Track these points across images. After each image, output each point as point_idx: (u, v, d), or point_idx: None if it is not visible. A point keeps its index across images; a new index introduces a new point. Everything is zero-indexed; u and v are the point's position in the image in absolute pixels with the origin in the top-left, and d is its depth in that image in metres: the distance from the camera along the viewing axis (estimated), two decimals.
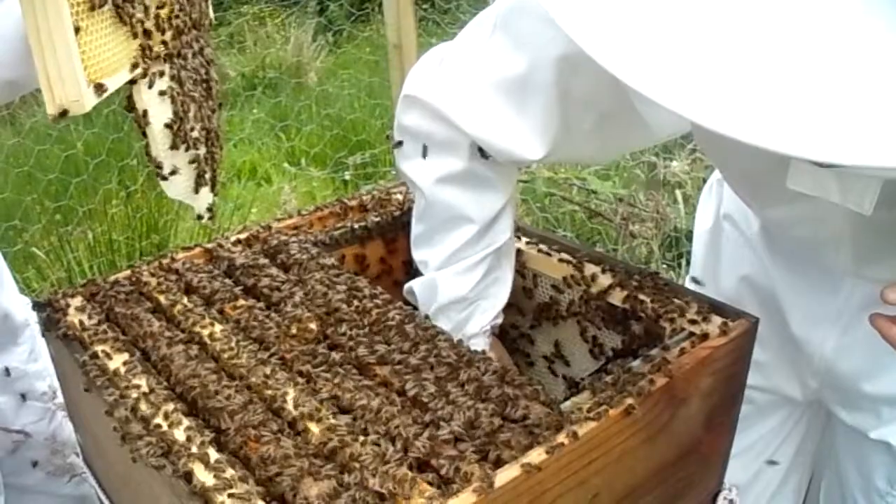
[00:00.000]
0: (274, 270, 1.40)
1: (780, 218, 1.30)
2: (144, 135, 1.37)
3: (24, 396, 1.77)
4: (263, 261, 1.43)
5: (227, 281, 1.39)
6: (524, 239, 1.50)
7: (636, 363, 1.13)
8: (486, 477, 0.90)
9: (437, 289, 1.33)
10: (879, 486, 1.44)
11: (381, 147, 4.69)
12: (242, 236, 1.53)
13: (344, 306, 1.26)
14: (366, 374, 1.14)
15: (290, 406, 1.06)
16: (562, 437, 0.97)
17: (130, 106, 1.34)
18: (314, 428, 1.02)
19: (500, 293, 1.37)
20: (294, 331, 1.22)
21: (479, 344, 1.34)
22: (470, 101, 1.21)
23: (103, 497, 1.35)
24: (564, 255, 1.43)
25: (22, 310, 1.80)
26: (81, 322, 1.28)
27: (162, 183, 1.42)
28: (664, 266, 3.35)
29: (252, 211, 4.24)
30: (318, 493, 0.91)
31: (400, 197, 1.68)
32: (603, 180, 3.77)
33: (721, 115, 0.62)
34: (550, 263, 1.44)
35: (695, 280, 1.61)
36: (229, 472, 0.95)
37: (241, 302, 1.31)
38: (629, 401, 1.03)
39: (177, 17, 1.40)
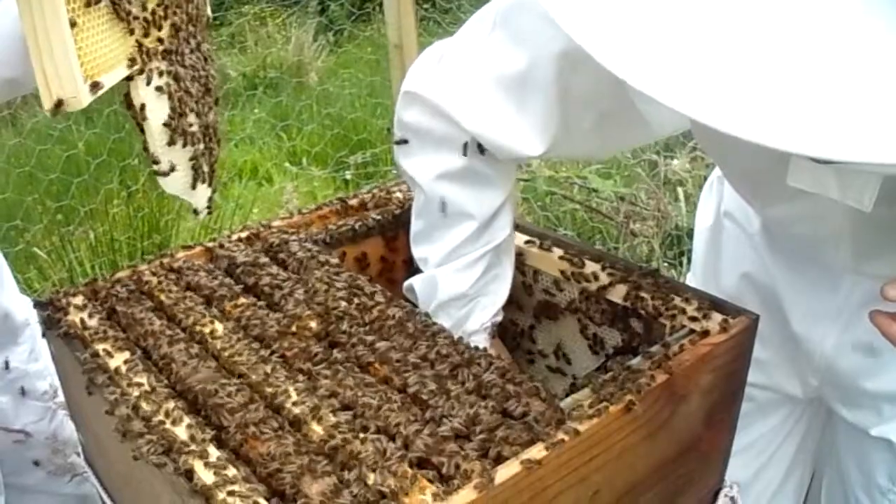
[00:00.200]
0: (274, 269, 1.40)
1: (781, 215, 1.30)
2: (142, 131, 1.37)
3: (23, 390, 1.77)
4: (264, 259, 1.43)
5: (228, 279, 1.39)
6: (524, 236, 1.50)
7: (636, 360, 1.13)
8: (486, 473, 0.90)
9: (437, 285, 1.33)
10: (881, 483, 1.44)
11: (383, 146, 4.69)
12: (243, 235, 1.53)
13: (344, 304, 1.26)
14: (366, 371, 1.14)
15: (290, 404, 1.06)
16: (562, 434, 0.97)
17: (128, 102, 1.34)
18: (315, 426, 1.02)
19: (501, 290, 1.37)
20: (294, 329, 1.22)
21: (480, 341, 1.34)
22: (470, 98, 1.22)
23: (105, 496, 1.35)
24: (564, 253, 1.43)
25: (22, 309, 1.80)
26: (82, 321, 1.28)
27: (159, 179, 1.43)
28: (665, 264, 3.35)
29: (253, 211, 4.24)
30: (318, 490, 0.91)
31: (400, 195, 1.68)
32: (604, 179, 3.77)
33: (719, 112, 0.62)
34: (550, 261, 1.44)
35: None
36: (230, 470, 0.96)
37: (242, 300, 1.32)
38: (629, 397, 1.03)
39: (174, 13, 1.40)
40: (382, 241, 1.61)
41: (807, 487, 1.71)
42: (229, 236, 1.54)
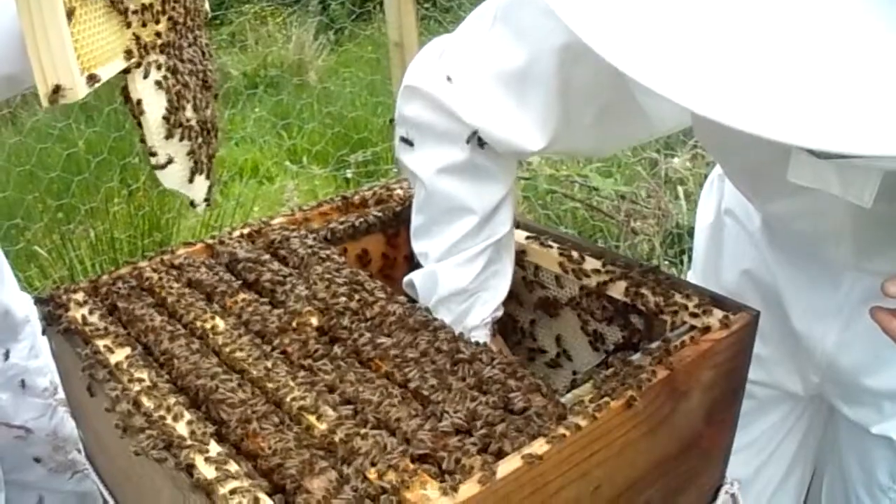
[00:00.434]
0: (275, 265, 1.40)
1: (781, 212, 1.30)
2: (140, 125, 1.37)
3: (23, 384, 1.77)
4: (265, 255, 1.43)
5: (229, 276, 1.39)
6: (525, 233, 1.50)
7: (637, 356, 1.13)
8: (487, 467, 0.90)
9: (438, 280, 1.33)
10: (882, 480, 1.44)
11: (383, 145, 4.69)
12: (244, 231, 1.53)
13: (345, 300, 1.26)
14: (367, 367, 1.14)
15: (291, 399, 1.06)
16: (563, 429, 0.97)
17: (126, 96, 1.35)
18: (315, 421, 1.02)
19: (501, 285, 1.37)
20: (295, 325, 1.22)
21: (480, 336, 1.34)
22: (471, 92, 1.22)
23: (105, 493, 1.35)
24: (565, 249, 1.43)
25: (22, 306, 1.80)
26: (83, 317, 1.28)
27: (157, 172, 1.43)
28: (666, 262, 3.35)
29: (254, 209, 4.24)
30: (319, 485, 0.91)
31: (401, 192, 1.68)
32: (605, 177, 3.77)
33: (719, 104, 0.62)
34: (551, 257, 1.44)
35: None
36: (231, 465, 0.96)
37: (243, 296, 1.32)
38: (631, 393, 1.03)
39: (172, 7, 1.40)
40: (383, 237, 1.61)
41: (808, 485, 1.71)
42: (230, 233, 1.54)
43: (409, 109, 1.30)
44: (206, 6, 1.57)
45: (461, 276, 1.32)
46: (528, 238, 1.49)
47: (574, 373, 1.46)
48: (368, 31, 6.71)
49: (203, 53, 1.53)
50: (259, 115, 5.47)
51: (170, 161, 1.42)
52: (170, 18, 1.40)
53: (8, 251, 2.43)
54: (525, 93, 1.17)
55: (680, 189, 3.62)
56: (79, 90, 1.15)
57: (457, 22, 1.30)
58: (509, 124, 1.21)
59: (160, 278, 1.38)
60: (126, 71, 1.32)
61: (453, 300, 1.33)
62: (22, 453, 1.81)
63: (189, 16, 1.47)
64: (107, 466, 1.35)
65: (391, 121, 1.34)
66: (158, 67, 1.37)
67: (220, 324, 1.24)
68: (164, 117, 1.38)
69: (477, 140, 1.25)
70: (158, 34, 1.37)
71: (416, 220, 1.39)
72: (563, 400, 1.04)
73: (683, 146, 3.75)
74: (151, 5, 1.34)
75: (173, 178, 1.46)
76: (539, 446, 0.95)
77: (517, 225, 1.47)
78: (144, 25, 1.33)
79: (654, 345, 1.15)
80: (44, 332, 1.37)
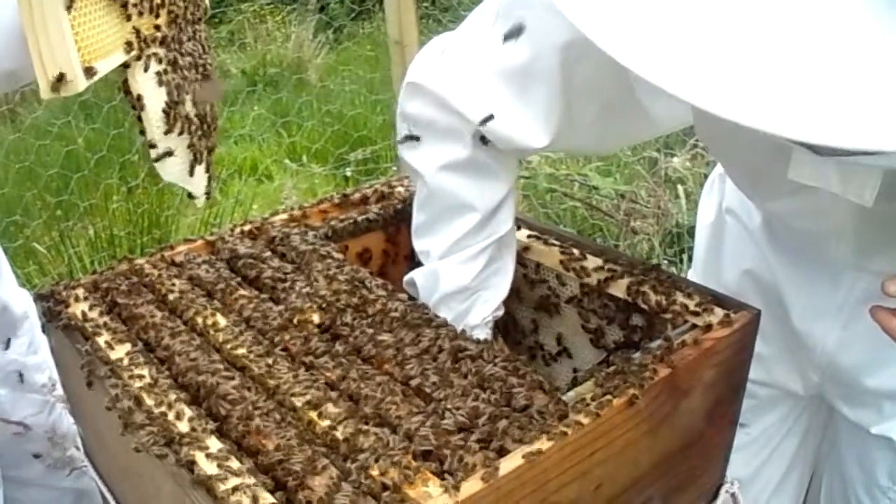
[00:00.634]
0: (276, 262, 1.40)
1: (782, 211, 1.30)
2: (140, 119, 1.37)
3: (21, 377, 1.76)
4: (266, 252, 1.43)
5: (230, 272, 1.38)
6: (526, 231, 1.50)
7: (638, 354, 1.13)
8: (489, 463, 0.90)
9: (439, 278, 1.32)
10: (881, 481, 1.44)
11: (383, 143, 4.69)
12: (245, 228, 1.53)
13: (346, 297, 1.26)
14: (369, 364, 1.14)
15: (292, 396, 1.05)
16: (565, 427, 0.97)
17: (126, 89, 1.34)
18: (317, 418, 1.02)
19: (502, 284, 1.37)
20: (296, 321, 1.22)
21: (481, 335, 1.33)
22: (473, 89, 1.21)
23: (104, 489, 1.35)
24: (566, 247, 1.43)
25: (21, 302, 1.79)
26: (83, 313, 1.28)
27: (157, 165, 1.43)
28: (665, 262, 3.35)
29: (253, 207, 4.24)
30: (321, 482, 0.91)
31: (402, 190, 1.68)
32: (604, 176, 3.77)
33: (720, 99, 0.63)
34: (552, 255, 1.44)
35: None
36: (232, 462, 0.95)
37: (244, 293, 1.31)
38: (633, 391, 1.03)
39: (172, 2, 1.40)
40: (384, 235, 1.61)
41: (807, 485, 1.71)
42: (231, 230, 1.54)
43: (411, 106, 1.30)
44: (206, 1, 1.57)
45: (463, 274, 1.32)
46: (529, 236, 1.49)
47: (574, 370, 1.46)
48: (367, 30, 6.72)
49: (203, 47, 1.53)
50: (258, 113, 5.47)
51: (170, 154, 1.42)
52: (170, 12, 1.40)
53: (7, 248, 2.42)
54: (527, 89, 1.17)
55: (679, 188, 3.63)
56: (78, 83, 1.15)
57: (456, 20, 1.30)
58: (512, 121, 1.20)
59: (160, 275, 1.38)
60: (126, 65, 1.31)
61: (455, 298, 1.33)
62: (21, 450, 1.81)
63: (189, 10, 1.47)
64: (106, 463, 1.34)
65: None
66: (159, 61, 1.37)
67: (221, 320, 1.24)
68: (164, 111, 1.38)
69: (480, 137, 1.25)
70: (158, 27, 1.37)
71: (417, 217, 1.38)
72: (564, 398, 1.04)
73: (683, 145, 3.75)
74: None
75: (173, 171, 1.45)
76: (541, 444, 0.94)
77: (518, 222, 1.46)
78: (141, 15, 1.32)
79: (656, 343, 1.15)
80: (44, 329, 1.36)
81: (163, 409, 1.05)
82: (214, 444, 0.99)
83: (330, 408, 1.03)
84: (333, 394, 1.06)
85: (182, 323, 1.25)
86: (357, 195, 1.66)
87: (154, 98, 1.37)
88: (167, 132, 1.40)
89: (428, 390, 1.05)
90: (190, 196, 1.55)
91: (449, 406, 1.01)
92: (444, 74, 1.24)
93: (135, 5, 1.29)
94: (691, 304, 1.24)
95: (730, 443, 1.33)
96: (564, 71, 1.14)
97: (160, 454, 0.98)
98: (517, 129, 1.21)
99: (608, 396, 1.02)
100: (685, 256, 3.34)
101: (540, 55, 1.14)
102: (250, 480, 0.92)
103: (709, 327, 1.18)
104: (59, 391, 1.48)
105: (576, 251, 1.41)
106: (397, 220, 1.60)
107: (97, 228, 3.66)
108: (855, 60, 0.62)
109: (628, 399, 1.03)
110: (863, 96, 0.62)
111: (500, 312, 1.39)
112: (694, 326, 1.19)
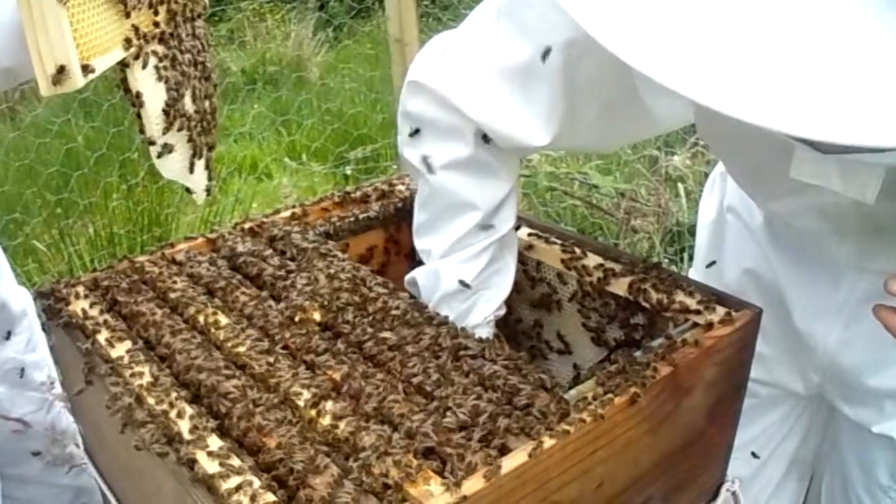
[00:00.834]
0: (277, 260, 1.39)
1: (783, 209, 1.30)
2: (139, 116, 1.36)
3: (22, 372, 1.76)
4: (266, 250, 1.43)
5: (230, 270, 1.38)
6: (527, 229, 1.50)
7: (640, 353, 1.13)
8: (491, 463, 0.90)
9: (440, 278, 1.32)
10: (882, 480, 1.44)
11: (383, 142, 4.69)
12: (245, 226, 1.53)
13: (347, 295, 1.26)
14: (370, 362, 1.14)
15: (294, 394, 1.05)
16: (567, 426, 0.97)
17: (125, 87, 1.34)
18: (318, 416, 1.02)
19: (504, 283, 1.36)
20: (298, 319, 1.22)
21: (483, 334, 1.33)
22: (475, 88, 1.21)
23: (104, 487, 1.35)
24: (568, 246, 1.43)
25: (20, 300, 1.79)
26: (84, 311, 1.27)
27: (156, 162, 1.42)
28: (666, 260, 3.35)
29: (253, 206, 4.23)
30: (322, 480, 0.91)
31: (403, 188, 1.67)
32: (604, 175, 3.77)
33: (723, 96, 0.63)
34: (553, 254, 1.44)
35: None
36: (233, 460, 0.95)
37: (245, 291, 1.31)
38: (634, 389, 1.03)
39: None
40: (385, 233, 1.61)
41: (807, 485, 1.71)
42: (232, 228, 1.54)
43: (412, 105, 1.30)
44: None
45: (464, 272, 1.32)
46: (530, 234, 1.49)
47: (575, 367, 1.46)
48: (367, 28, 6.70)
49: (202, 44, 1.52)
50: (258, 111, 5.46)
51: (169, 151, 1.41)
52: (169, 9, 1.39)
53: (7, 246, 2.42)
54: (529, 88, 1.17)
55: (680, 187, 3.63)
56: (77, 79, 1.15)
57: (457, 18, 1.30)
58: (514, 120, 1.20)
59: (161, 273, 1.37)
60: (125, 63, 1.31)
61: (456, 298, 1.33)
62: (20, 448, 1.80)
63: (188, 6, 1.46)
64: (106, 461, 1.34)
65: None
66: (158, 58, 1.36)
67: (222, 318, 1.24)
68: (164, 108, 1.38)
69: (482, 136, 1.25)
70: (157, 24, 1.37)
71: (418, 216, 1.38)
72: (566, 396, 1.04)
73: (684, 144, 3.75)
74: None
75: (173, 168, 1.45)
76: (543, 442, 0.94)
77: (519, 221, 1.46)
78: (140, 11, 1.32)
79: (657, 341, 1.15)
80: (44, 327, 1.36)
81: (163, 407, 1.05)
82: (215, 442, 0.98)
83: (331, 406, 1.03)
84: (334, 392, 1.06)
85: (183, 321, 1.25)
86: (358, 193, 1.66)
87: (153, 95, 1.37)
88: (166, 129, 1.39)
89: (429, 388, 1.05)
90: (188, 191, 1.54)
91: (451, 404, 1.01)
92: (445, 73, 1.24)
93: (133, 2, 1.29)
94: (692, 303, 1.23)
95: (731, 442, 1.33)
96: (566, 69, 1.14)
97: (161, 452, 0.98)
98: (519, 127, 1.21)
99: (610, 395, 1.02)
100: (685, 255, 3.34)
101: (541, 53, 1.14)
102: (251, 479, 0.92)
103: (710, 326, 1.18)
104: (58, 389, 1.47)
105: (577, 250, 1.41)
106: (398, 219, 1.60)
107: (97, 226, 3.66)
108: (856, 57, 0.63)
109: (630, 397, 1.03)
110: (864, 93, 0.62)
111: (502, 312, 1.39)
112: (695, 325, 1.19)
